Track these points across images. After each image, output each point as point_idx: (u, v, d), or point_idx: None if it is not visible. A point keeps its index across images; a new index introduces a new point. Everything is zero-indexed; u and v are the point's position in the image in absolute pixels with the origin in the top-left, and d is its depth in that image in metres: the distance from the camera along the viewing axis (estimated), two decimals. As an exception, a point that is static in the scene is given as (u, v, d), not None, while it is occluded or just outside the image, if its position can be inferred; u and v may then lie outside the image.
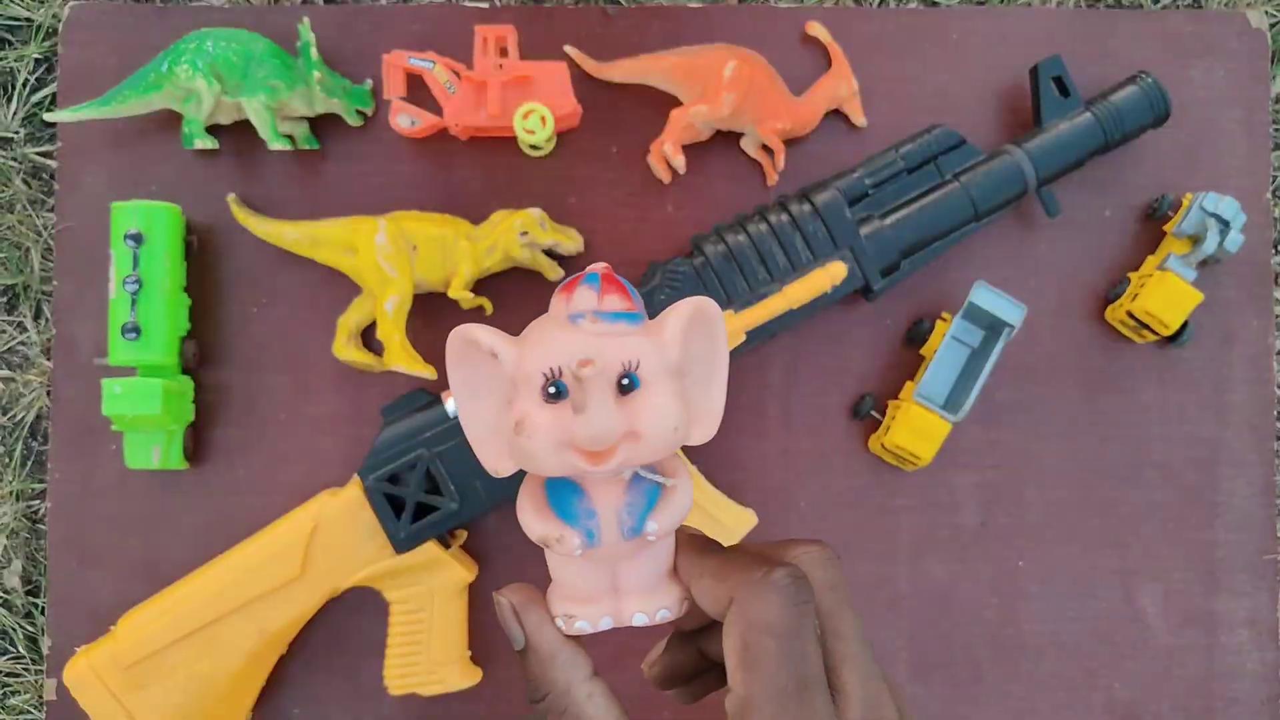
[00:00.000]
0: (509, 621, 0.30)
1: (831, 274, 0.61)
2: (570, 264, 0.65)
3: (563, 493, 0.29)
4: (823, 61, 0.67)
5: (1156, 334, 0.64)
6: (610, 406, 0.26)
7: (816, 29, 0.67)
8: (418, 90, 0.64)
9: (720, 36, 0.66)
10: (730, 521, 0.63)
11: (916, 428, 0.62)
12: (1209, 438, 0.67)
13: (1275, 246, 0.69)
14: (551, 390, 0.27)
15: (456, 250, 0.62)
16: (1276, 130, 0.71)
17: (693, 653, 0.32)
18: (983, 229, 0.65)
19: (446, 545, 0.62)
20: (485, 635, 0.64)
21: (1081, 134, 0.64)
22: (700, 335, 0.29)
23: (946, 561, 0.66)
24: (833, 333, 0.66)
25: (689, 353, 0.29)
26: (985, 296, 0.62)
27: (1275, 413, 0.67)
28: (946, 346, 0.64)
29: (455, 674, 0.62)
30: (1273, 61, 0.70)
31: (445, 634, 0.61)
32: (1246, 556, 0.66)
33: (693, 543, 0.30)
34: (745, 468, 0.66)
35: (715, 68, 0.62)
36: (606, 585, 0.30)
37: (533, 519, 0.29)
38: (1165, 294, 0.63)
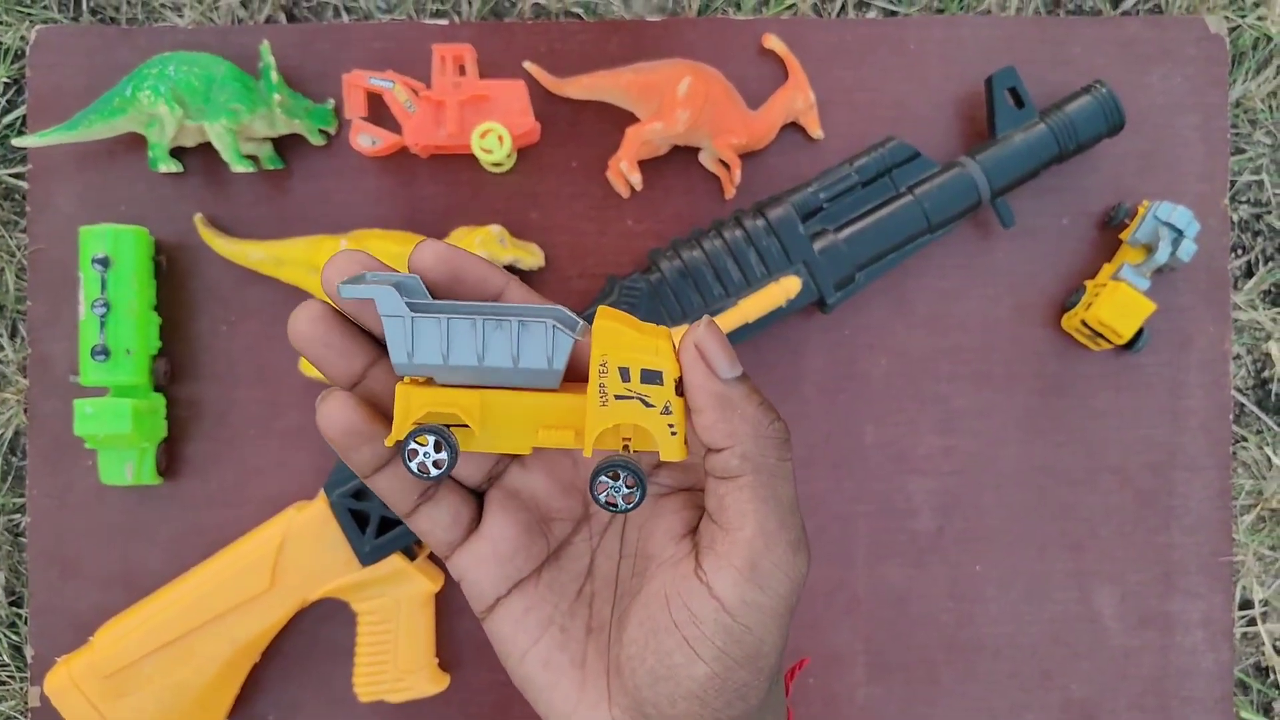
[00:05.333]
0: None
1: (785, 288, 0.62)
2: (531, 278, 0.66)
3: None
4: (780, 73, 0.67)
5: (1111, 342, 0.65)
6: None
7: (773, 41, 0.67)
8: (379, 108, 0.65)
9: (678, 50, 0.66)
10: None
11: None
12: (1165, 442, 0.68)
13: (1232, 252, 0.70)
14: None
15: (417, 268, 0.63)
16: (1235, 135, 0.71)
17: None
18: (940, 238, 0.65)
19: (412, 557, 0.63)
20: (454, 642, 0.66)
21: (1035, 145, 0.64)
22: None
23: (904, 566, 0.67)
24: (790, 343, 0.67)
25: None
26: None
27: (1230, 417, 0.68)
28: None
29: (423, 681, 0.63)
30: (1232, 66, 0.70)
31: (412, 642, 0.63)
32: (1202, 559, 0.67)
33: None
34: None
35: (670, 84, 0.63)
36: None
37: None
38: (1118, 304, 0.63)
